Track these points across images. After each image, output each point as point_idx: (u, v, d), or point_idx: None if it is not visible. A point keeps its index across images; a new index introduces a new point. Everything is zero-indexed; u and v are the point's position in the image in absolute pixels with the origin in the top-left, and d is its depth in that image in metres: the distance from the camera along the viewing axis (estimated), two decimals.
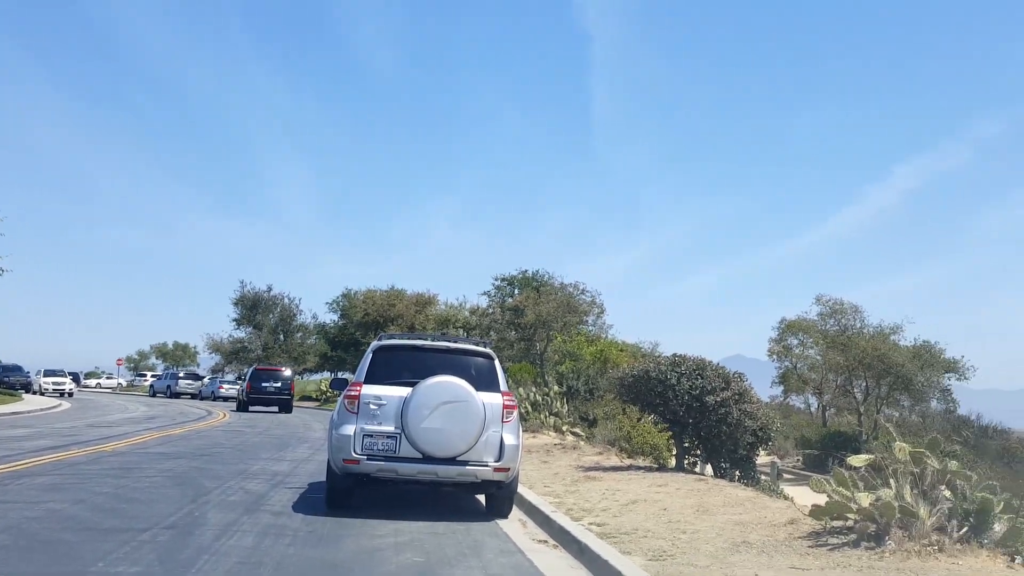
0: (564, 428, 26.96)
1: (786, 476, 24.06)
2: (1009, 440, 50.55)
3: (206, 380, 68.77)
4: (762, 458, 25.66)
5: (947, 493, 10.29)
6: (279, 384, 44.86)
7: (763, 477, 19.95)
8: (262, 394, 44.55)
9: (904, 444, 10.85)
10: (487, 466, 11.58)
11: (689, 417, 17.18)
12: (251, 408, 44.98)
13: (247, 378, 46.62)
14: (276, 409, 44.81)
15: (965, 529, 9.87)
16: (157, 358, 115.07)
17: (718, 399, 16.95)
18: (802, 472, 23.55)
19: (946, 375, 37.42)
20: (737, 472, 17.76)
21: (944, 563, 8.98)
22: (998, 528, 10.05)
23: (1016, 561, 9.52)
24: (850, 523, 10.37)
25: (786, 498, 15.04)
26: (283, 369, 48.44)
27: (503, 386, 12.10)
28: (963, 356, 37.57)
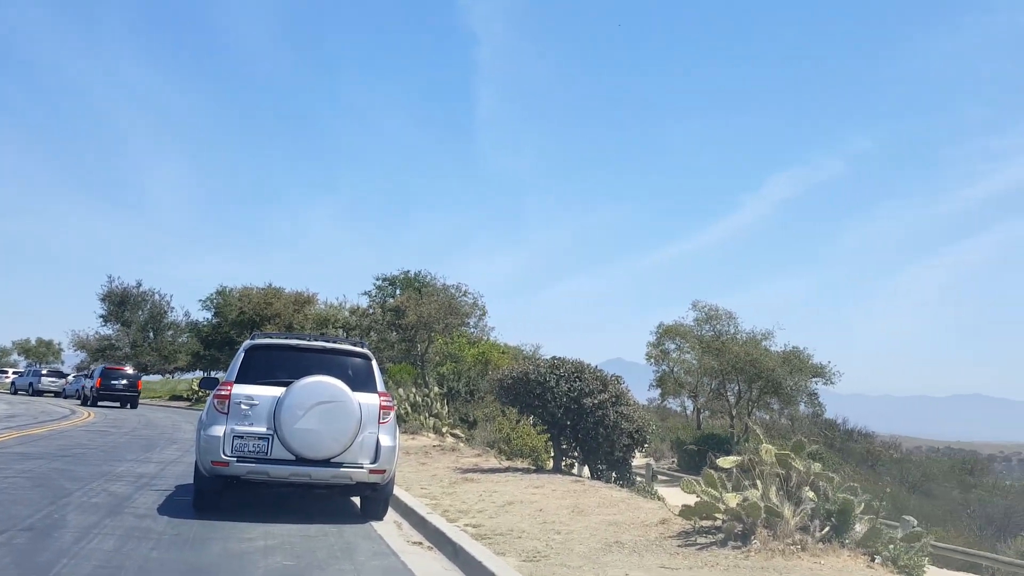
0: (444, 430, 26.90)
1: (661, 477, 24.53)
2: (873, 443, 52.83)
3: (70, 378, 66.32)
4: (638, 460, 26.11)
5: (811, 494, 10.63)
6: (126, 382, 48.64)
7: (638, 478, 20.28)
8: (111, 391, 47.97)
9: (770, 446, 11.18)
10: (362, 468, 11.44)
11: (567, 419, 17.33)
12: (100, 404, 47.51)
13: (96, 375, 49.14)
14: (119, 405, 48.13)
15: (827, 529, 10.22)
16: (19, 355, 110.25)
17: (596, 401, 17.15)
18: (677, 473, 24.08)
19: (814, 380, 38.71)
20: (613, 474, 17.99)
21: (807, 562, 9.28)
22: (859, 528, 10.44)
23: (876, 561, 9.92)
24: (718, 523, 10.63)
25: (659, 499, 15.31)
26: (128, 368, 52.29)
27: (380, 387, 11.98)
28: (830, 361, 38.94)
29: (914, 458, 54.26)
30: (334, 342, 13.21)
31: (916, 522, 13.25)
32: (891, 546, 10.17)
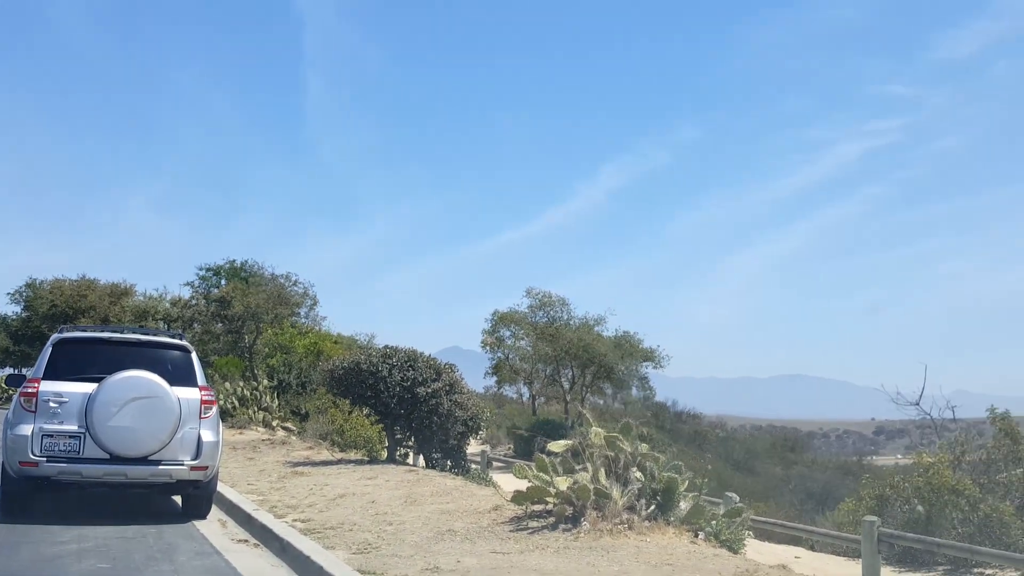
0: (274, 423, 26.25)
1: (496, 464, 24.68)
2: (700, 423, 54.91)
3: None
4: (474, 447, 26.19)
5: (638, 474, 10.86)
6: None
7: (474, 466, 20.29)
8: None
9: (600, 429, 11.36)
10: (183, 465, 10.95)
11: (401, 409, 17.14)
12: None
13: None
14: None
15: (653, 508, 10.47)
16: None
17: (430, 390, 17.02)
18: (512, 460, 24.32)
19: (644, 364, 39.75)
20: (448, 462, 17.94)
21: (633, 540, 9.46)
22: (683, 506, 10.75)
23: (699, 536, 10.23)
24: (550, 507, 10.73)
25: (494, 486, 15.35)
26: None
27: (201, 380, 11.50)
28: (659, 346, 39.95)
29: (739, 437, 56.60)
30: (151, 334, 12.61)
31: (738, 498, 13.82)
32: (713, 522, 10.50)
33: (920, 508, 17.46)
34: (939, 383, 22.86)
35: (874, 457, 68.76)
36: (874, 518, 12.52)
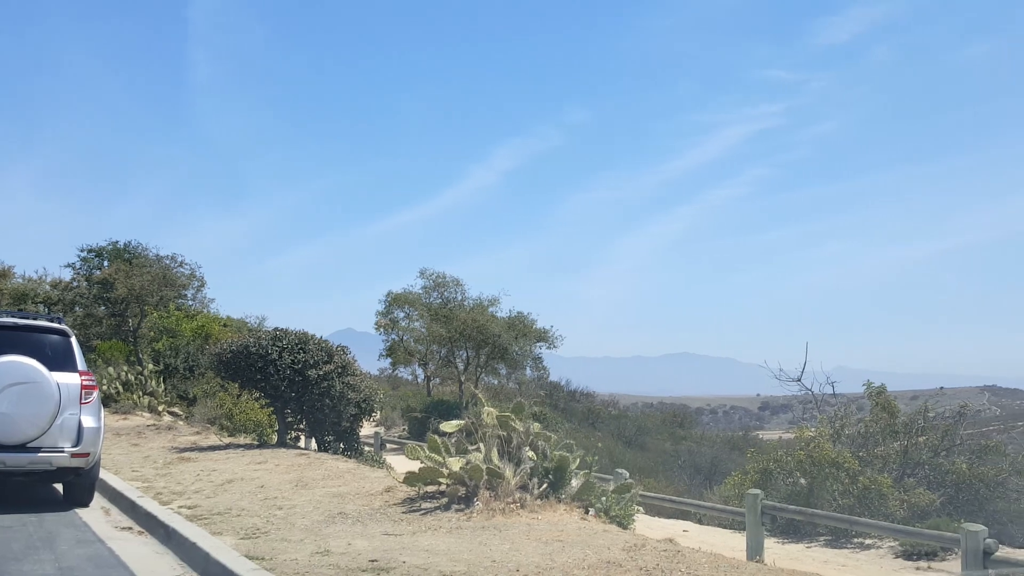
0: (160, 408, 25.56)
1: (390, 446, 24.54)
2: (593, 402, 55.56)
3: None
4: (368, 429, 26.03)
5: (531, 453, 10.95)
6: None
7: (367, 448, 20.17)
8: None
9: (492, 409, 11.40)
10: (63, 452, 10.58)
11: (291, 392, 16.88)
12: None
13: None
14: None
15: (545, 486, 10.57)
16: None
17: (321, 372, 16.80)
18: (406, 441, 24.17)
19: (538, 344, 39.95)
20: (341, 444, 17.77)
21: (525, 518, 9.54)
22: (574, 483, 10.90)
23: (589, 513, 10.38)
24: (443, 487, 10.74)
25: (387, 468, 15.29)
26: None
27: (81, 365, 11.10)
28: (553, 326, 40.21)
29: (630, 414, 57.42)
30: (29, 318, 12.12)
31: (628, 474, 14.04)
32: (603, 498, 10.67)
33: (802, 481, 18.08)
34: (820, 359, 23.61)
35: (759, 432, 70.73)
36: (758, 491, 12.88)
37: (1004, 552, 10.06)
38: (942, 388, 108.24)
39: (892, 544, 14.51)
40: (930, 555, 13.62)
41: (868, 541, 15.13)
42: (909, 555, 13.89)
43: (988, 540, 8.89)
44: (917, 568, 13.11)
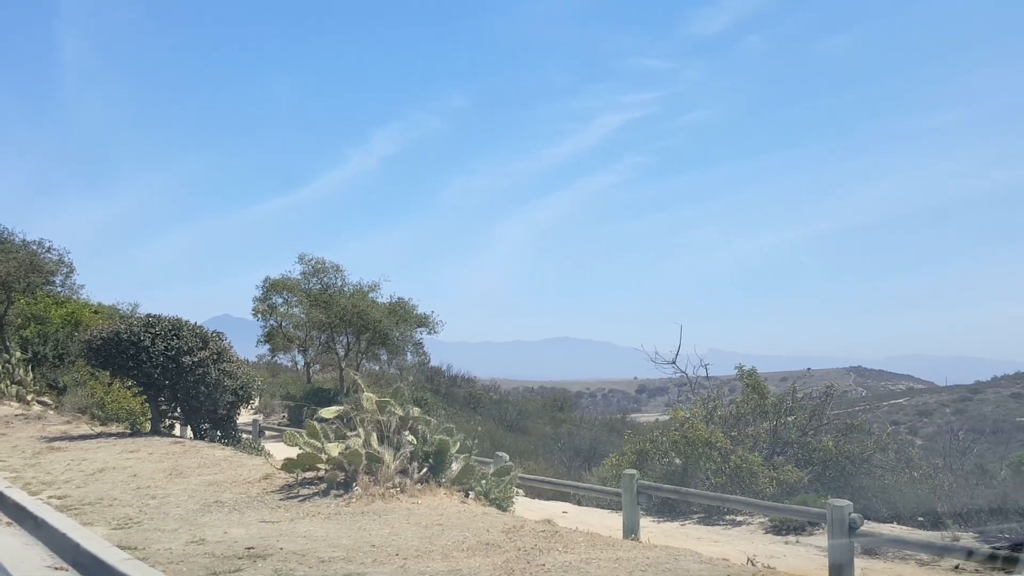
0: (29, 397, 24.56)
1: (269, 433, 24.12)
2: (474, 387, 55.69)
3: None
4: (246, 416, 25.51)
5: (411, 438, 10.94)
6: None
7: (245, 436, 19.77)
8: None
9: (372, 395, 11.35)
10: None
11: (165, 379, 16.43)
12: None
13: None
14: None
15: (425, 470, 10.58)
16: None
17: (196, 359, 16.39)
18: (285, 428, 23.78)
19: (419, 329, 39.77)
20: (218, 432, 17.39)
21: (405, 503, 9.54)
22: (455, 467, 10.93)
23: (469, 496, 10.44)
24: (321, 473, 10.65)
25: (266, 455, 15.05)
26: None
27: None
28: (433, 311, 40.07)
29: (511, 399, 57.73)
30: None
31: (508, 457, 14.12)
32: (483, 481, 10.75)
33: (677, 461, 18.54)
34: (695, 343, 24.23)
35: (637, 414, 72.18)
36: (633, 471, 13.14)
37: (869, 526, 10.48)
38: (809, 370, 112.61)
39: (762, 520, 15.03)
40: (798, 530, 14.15)
41: (740, 518, 15.62)
42: (779, 530, 14.39)
43: (853, 515, 9.25)
44: (786, 543, 13.60)
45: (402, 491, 9.88)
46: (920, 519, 14.25)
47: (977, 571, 11.03)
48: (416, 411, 11.28)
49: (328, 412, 11.66)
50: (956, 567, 11.22)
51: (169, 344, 16.29)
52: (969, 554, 10.24)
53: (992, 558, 10.29)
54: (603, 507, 17.43)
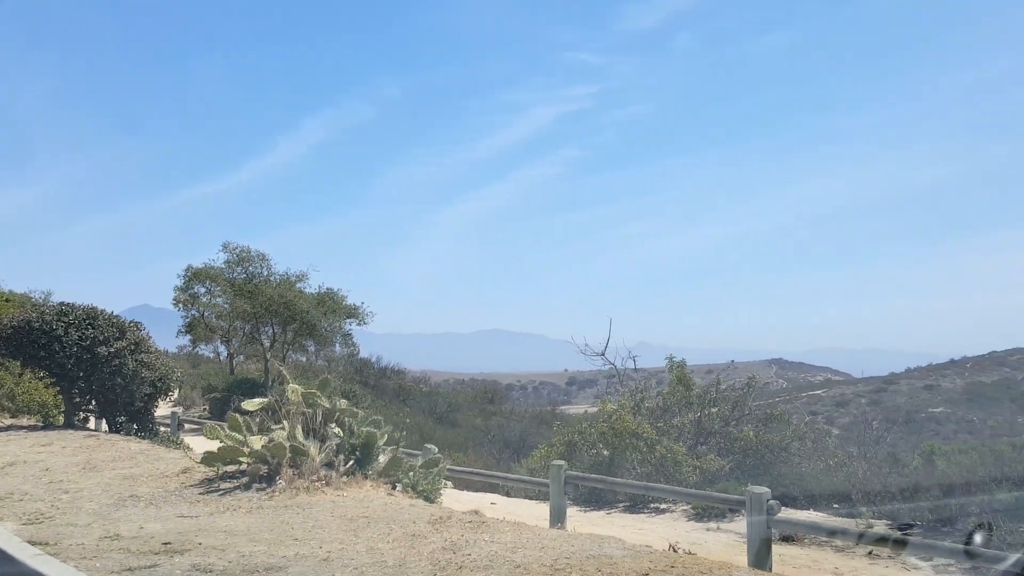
0: None
1: (189, 426, 23.65)
2: (404, 379, 55.38)
3: None
4: (164, 409, 24.98)
5: (337, 430, 10.78)
6: None
7: (163, 429, 19.34)
8: None
9: (297, 386, 11.15)
10: None
11: (79, 370, 15.98)
12: None
13: None
14: None
15: (351, 463, 10.44)
16: None
17: (112, 350, 15.98)
18: (207, 421, 23.37)
19: (348, 320, 39.30)
20: (134, 425, 17.00)
21: (331, 496, 9.39)
22: (382, 459, 10.82)
23: (396, 488, 10.34)
24: (244, 467, 10.43)
25: (185, 448, 14.73)
26: None
27: None
28: (363, 302, 39.58)
29: (442, 391, 57.58)
30: None
31: (436, 449, 14.07)
32: (411, 473, 10.65)
33: (605, 452, 18.68)
34: (624, 336, 24.51)
35: (566, 407, 72.56)
36: (561, 462, 13.19)
37: (787, 513, 10.67)
38: (733, 362, 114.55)
39: (685, 508, 15.24)
40: (720, 516, 14.39)
41: (664, 506, 15.80)
42: (701, 517, 14.63)
43: (771, 501, 9.39)
44: (707, 529, 13.79)
45: (327, 484, 9.73)
46: (836, 506, 14.57)
47: (890, 556, 11.29)
48: (343, 403, 11.12)
49: (251, 404, 11.43)
50: (870, 553, 11.47)
51: (84, 334, 15.85)
52: (865, 538, 10.55)
53: (883, 540, 10.64)
54: (532, 498, 17.48)
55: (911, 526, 12.90)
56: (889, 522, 13.37)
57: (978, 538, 8.48)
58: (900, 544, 10.21)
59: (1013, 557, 7.92)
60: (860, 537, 10.51)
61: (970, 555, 8.27)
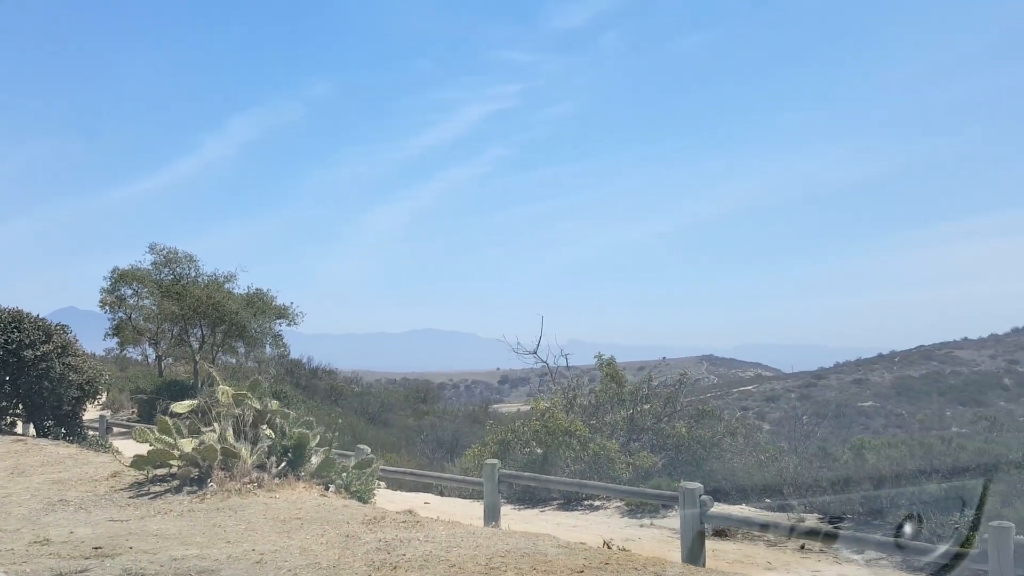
0: None
1: (118, 429, 23.26)
2: (336, 379, 54.93)
3: None
4: (92, 413, 24.51)
5: (268, 432, 10.71)
6: None
7: (92, 432, 18.99)
8: None
9: (228, 388, 11.06)
10: None
11: (5, 374, 15.65)
12: None
13: None
14: None
15: (284, 464, 10.39)
16: None
17: (38, 353, 15.66)
18: (136, 424, 23.00)
19: (278, 321, 38.93)
20: (62, 429, 16.68)
21: (263, 498, 9.34)
22: (314, 461, 10.77)
23: (329, 489, 10.30)
24: (174, 470, 10.32)
25: (113, 452, 14.49)
26: None
27: None
28: (293, 303, 39.21)
29: (374, 391, 57.26)
30: None
31: (369, 450, 14.05)
32: (344, 474, 10.63)
33: (538, 450, 18.81)
34: (556, 334, 24.58)
35: (499, 405, 72.74)
36: (495, 461, 13.26)
37: (719, 508, 10.87)
38: (665, 359, 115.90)
39: (619, 504, 15.42)
40: (653, 512, 14.60)
41: (598, 503, 15.97)
42: (634, 513, 14.82)
43: (704, 496, 9.58)
44: (641, 525, 13.98)
45: (259, 486, 9.67)
46: (768, 500, 14.87)
47: (822, 550, 11.59)
48: (275, 404, 11.06)
49: (181, 407, 11.31)
50: (802, 547, 11.76)
51: (9, 337, 15.51)
52: (796, 531, 10.80)
53: (814, 533, 10.95)
54: (466, 497, 17.54)
55: (842, 519, 13.26)
56: (820, 515, 13.71)
57: (907, 530, 8.79)
58: (831, 537, 10.50)
59: (942, 548, 8.23)
60: (791, 531, 10.75)
61: (900, 547, 8.55)
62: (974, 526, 8.55)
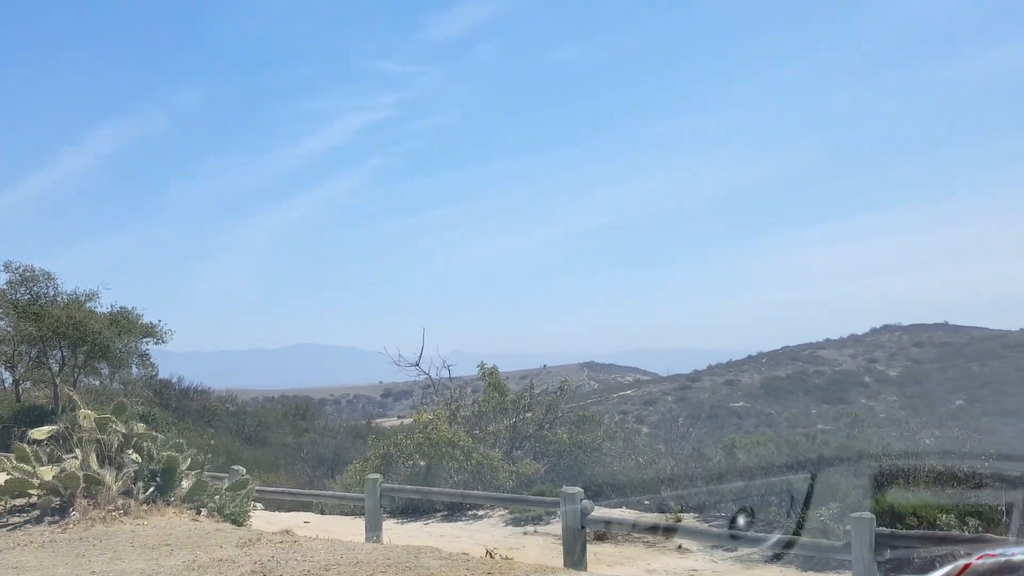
0: None
1: None
2: (209, 399, 53.40)
3: None
4: None
5: (135, 456, 10.26)
6: None
7: None
8: None
9: (90, 412, 10.56)
10: None
11: None
12: None
13: None
14: None
15: (152, 489, 9.96)
16: None
17: None
18: None
19: (145, 340, 37.61)
20: None
21: (130, 525, 8.92)
22: (185, 484, 10.36)
23: (202, 513, 9.92)
24: (34, 500, 9.78)
25: None
26: None
27: None
28: (160, 320, 37.93)
29: (250, 409, 55.92)
30: None
31: (244, 471, 13.60)
32: (217, 497, 10.25)
33: (422, 463, 18.61)
34: (438, 345, 24.39)
35: (382, 419, 72.06)
36: (376, 475, 13.05)
37: (600, 511, 10.93)
38: (546, 366, 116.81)
39: (503, 513, 15.36)
40: (536, 520, 14.58)
41: (482, 512, 15.89)
42: (518, 522, 14.77)
43: (584, 501, 9.61)
44: (525, 533, 13.95)
45: (126, 513, 9.23)
46: (647, 501, 15.04)
47: (700, 549, 11.75)
48: (141, 427, 10.60)
49: (40, 433, 10.72)
50: (679, 547, 11.91)
51: None
52: (641, 527, 11.18)
53: (660, 528, 11.35)
54: (348, 514, 17.21)
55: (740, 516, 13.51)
56: (697, 514, 13.94)
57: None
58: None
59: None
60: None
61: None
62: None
